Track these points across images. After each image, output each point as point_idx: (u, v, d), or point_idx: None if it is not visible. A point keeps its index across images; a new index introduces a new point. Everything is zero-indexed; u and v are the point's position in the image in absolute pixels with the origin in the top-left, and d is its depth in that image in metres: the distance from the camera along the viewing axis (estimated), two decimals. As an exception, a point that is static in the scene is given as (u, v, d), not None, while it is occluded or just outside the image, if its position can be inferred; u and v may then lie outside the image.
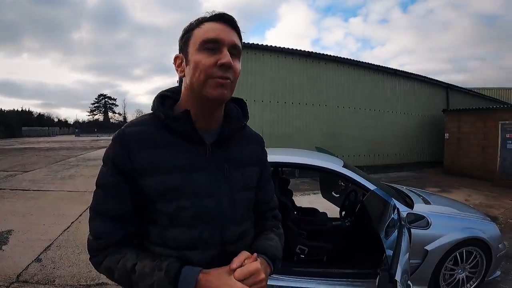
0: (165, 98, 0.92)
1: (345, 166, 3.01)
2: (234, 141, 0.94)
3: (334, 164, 2.99)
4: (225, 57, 0.80)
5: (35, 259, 3.46)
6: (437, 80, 14.52)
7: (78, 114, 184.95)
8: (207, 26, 0.83)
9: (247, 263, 0.81)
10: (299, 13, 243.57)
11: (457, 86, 15.72)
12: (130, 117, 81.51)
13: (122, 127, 0.86)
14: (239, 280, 0.77)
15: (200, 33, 0.83)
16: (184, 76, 0.87)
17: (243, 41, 0.90)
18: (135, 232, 0.86)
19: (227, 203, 0.88)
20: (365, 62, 12.03)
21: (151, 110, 0.89)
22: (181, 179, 0.82)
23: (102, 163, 0.87)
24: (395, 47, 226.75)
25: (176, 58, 0.89)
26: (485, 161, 10.69)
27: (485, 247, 2.93)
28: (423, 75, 13.76)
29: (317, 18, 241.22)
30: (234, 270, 0.79)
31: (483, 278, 3.00)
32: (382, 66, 12.45)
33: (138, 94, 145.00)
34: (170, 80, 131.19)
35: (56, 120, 72.98)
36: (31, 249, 3.71)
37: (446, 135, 12.16)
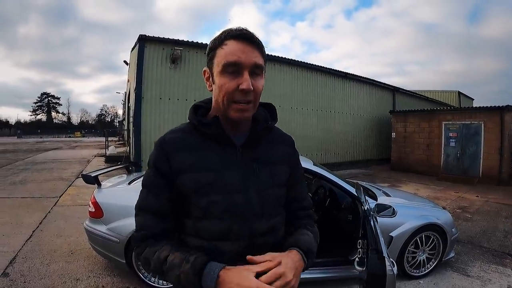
0: (198, 108, 0.99)
1: (314, 164, 3.24)
2: (264, 141, 0.99)
3: (307, 163, 3.17)
4: (245, 82, 0.84)
5: (1, 274, 3.21)
6: (384, 83, 15.41)
7: (19, 114, 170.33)
8: (229, 46, 0.86)
9: (270, 265, 0.83)
10: (249, 16, 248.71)
11: (402, 89, 16.83)
12: (75, 117, 78.25)
13: (163, 135, 0.95)
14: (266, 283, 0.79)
15: (222, 54, 0.86)
16: (211, 90, 0.94)
17: (265, 51, 0.93)
18: (173, 227, 0.95)
19: (255, 199, 0.93)
20: (318, 65, 12.38)
21: (188, 119, 0.98)
22: (212, 176, 0.89)
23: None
24: (339, 51, 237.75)
25: (204, 71, 0.95)
26: (429, 158, 11.69)
27: (441, 232, 3.30)
28: (371, 78, 14.54)
29: (265, 22, 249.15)
30: (259, 272, 0.81)
31: (441, 258, 3.37)
32: (333, 69, 13.00)
33: (83, 93, 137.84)
34: (118, 79, 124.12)
35: (-4, 120, 67.21)
36: (-6, 263, 3.43)
37: (393, 134, 13.08)
